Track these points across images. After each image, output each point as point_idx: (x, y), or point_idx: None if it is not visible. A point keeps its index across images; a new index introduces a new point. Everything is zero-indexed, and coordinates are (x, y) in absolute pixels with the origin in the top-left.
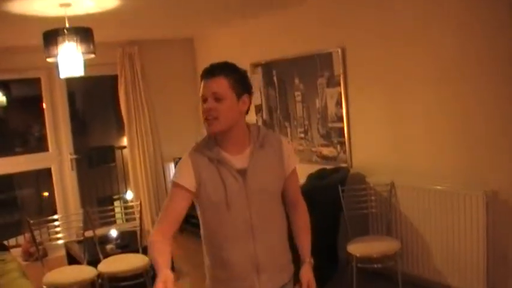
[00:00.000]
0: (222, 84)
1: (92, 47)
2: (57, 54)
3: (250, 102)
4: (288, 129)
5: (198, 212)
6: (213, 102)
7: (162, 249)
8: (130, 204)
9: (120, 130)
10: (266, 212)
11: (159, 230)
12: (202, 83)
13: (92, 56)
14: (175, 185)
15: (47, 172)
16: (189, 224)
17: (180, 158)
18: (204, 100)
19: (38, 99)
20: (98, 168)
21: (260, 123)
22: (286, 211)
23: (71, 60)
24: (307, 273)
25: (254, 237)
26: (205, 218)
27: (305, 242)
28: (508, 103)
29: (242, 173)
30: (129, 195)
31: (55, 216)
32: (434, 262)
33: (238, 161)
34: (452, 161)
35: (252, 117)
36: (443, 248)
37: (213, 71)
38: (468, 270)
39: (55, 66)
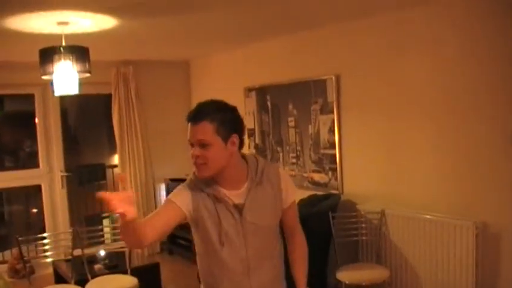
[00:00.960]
0: (206, 131)
1: (87, 66)
2: (52, 72)
3: (241, 139)
4: (280, 154)
5: (195, 242)
6: (198, 149)
7: None
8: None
9: (112, 149)
10: (262, 249)
11: None
12: (188, 127)
13: (88, 75)
14: (169, 201)
15: (37, 188)
16: (178, 246)
17: (171, 180)
18: (191, 145)
19: (31, 115)
20: (88, 185)
21: (252, 147)
22: (284, 240)
23: (66, 78)
24: None
25: (249, 275)
26: (200, 250)
27: (300, 274)
28: (498, 138)
29: (239, 208)
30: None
31: (44, 234)
32: None
33: (235, 196)
34: (443, 192)
35: (245, 141)
36: (432, 278)
37: (197, 116)
38: None
39: (50, 83)
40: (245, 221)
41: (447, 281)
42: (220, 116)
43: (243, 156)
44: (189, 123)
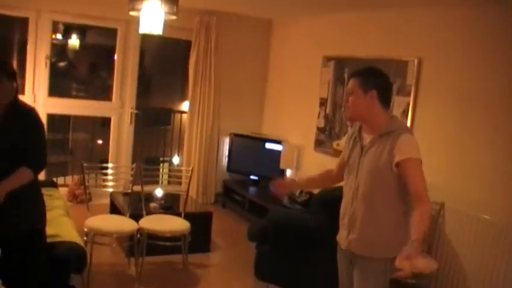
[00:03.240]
0: (354, 84)
1: (175, 8)
2: (140, 9)
3: (383, 98)
4: (349, 129)
5: None
6: (348, 96)
7: (314, 177)
8: (181, 168)
9: (182, 95)
10: (368, 188)
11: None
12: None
13: (174, 17)
14: None
15: (103, 121)
16: (232, 200)
17: (236, 135)
18: (346, 94)
19: (109, 50)
20: (154, 128)
21: (322, 117)
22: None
23: (153, 17)
24: (407, 250)
25: (352, 203)
26: None
27: (413, 226)
28: None
29: (363, 149)
30: (176, 160)
31: (108, 164)
32: None
33: (367, 140)
34: (509, 196)
35: (315, 109)
36: (480, 280)
37: (352, 73)
38: None
39: (135, 20)
40: (362, 160)
41: (495, 286)
42: (366, 75)
43: (392, 117)
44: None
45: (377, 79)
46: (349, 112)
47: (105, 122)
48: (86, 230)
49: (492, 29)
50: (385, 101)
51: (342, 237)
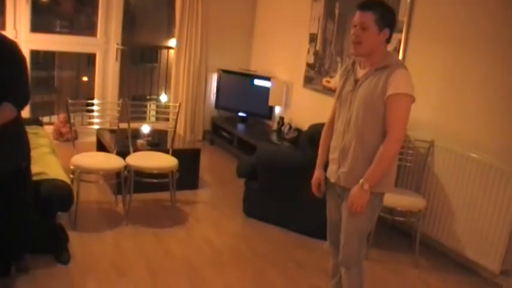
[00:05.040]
0: (369, 18)
1: None
2: None
3: (391, 35)
4: (339, 65)
5: None
6: (359, 29)
7: (323, 150)
8: (168, 104)
9: (169, 31)
10: (360, 121)
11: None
12: (356, 12)
13: None
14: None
15: (88, 58)
16: (220, 137)
17: (224, 71)
18: (354, 26)
19: None
20: (140, 65)
21: (312, 53)
22: None
23: None
24: (353, 195)
25: (344, 135)
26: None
27: (371, 166)
28: None
29: (356, 82)
30: (164, 98)
31: (93, 101)
32: (455, 230)
33: (361, 73)
34: (498, 135)
35: (305, 46)
36: (468, 218)
37: (366, 5)
38: (487, 246)
39: None
40: (355, 93)
41: (482, 224)
42: (383, 12)
43: (388, 53)
44: (358, 10)
45: (391, 17)
46: (361, 48)
47: (91, 59)
48: (72, 167)
49: None
50: (390, 38)
51: (331, 171)
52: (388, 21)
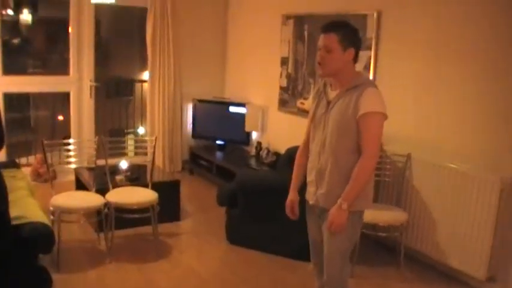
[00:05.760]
0: (332, 40)
1: None
2: None
3: (356, 55)
4: (312, 86)
5: None
6: (324, 52)
7: (298, 172)
8: (145, 138)
9: (143, 64)
10: (334, 141)
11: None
12: (321, 35)
13: None
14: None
15: (64, 96)
16: (199, 166)
17: (199, 101)
18: (319, 49)
19: (64, 23)
20: (115, 99)
21: (284, 76)
22: None
23: None
24: (332, 215)
25: (320, 156)
26: None
27: (348, 184)
28: None
29: (329, 104)
30: (141, 130)
31: (69, 140)
32: (439, 240)
33: (333, 95)
34: (473, 143)
35: (277, 69)
36: (450, 228)
37: (328, 28)
38: (471, 254)
39: None
40: (328, 114)
41: (464, 233)
42: (346, 32)
43: (358, 73)
44: (322, 32)
45: (355, 36)
46: (326, 69)
47: (66, 97)
48: (51, 208)
49: None
50: (357, 57)
51: (309, 193)
52: (351, 40)
